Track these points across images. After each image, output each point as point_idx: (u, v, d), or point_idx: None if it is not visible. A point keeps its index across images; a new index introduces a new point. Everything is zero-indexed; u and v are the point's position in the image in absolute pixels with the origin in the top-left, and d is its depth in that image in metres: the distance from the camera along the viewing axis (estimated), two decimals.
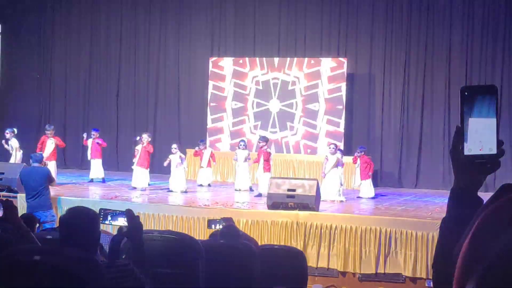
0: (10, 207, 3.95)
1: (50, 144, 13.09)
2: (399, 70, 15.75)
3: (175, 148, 12.80)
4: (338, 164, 12.27)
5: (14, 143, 13.30)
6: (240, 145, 13.47)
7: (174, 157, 12.74)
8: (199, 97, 17.07)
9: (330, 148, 12.48)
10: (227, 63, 16.51)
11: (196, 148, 14.38)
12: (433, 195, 13.79)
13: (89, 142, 14.13)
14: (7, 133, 13.36)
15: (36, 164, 9.68)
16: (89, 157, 14.18)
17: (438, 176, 15.20)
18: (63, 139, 14.30)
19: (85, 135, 14.27)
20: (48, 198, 9.57)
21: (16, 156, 13.23)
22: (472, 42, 15.17)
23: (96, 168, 14.09)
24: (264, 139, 13.16)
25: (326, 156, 12.46)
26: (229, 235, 4.92)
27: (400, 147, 15.65)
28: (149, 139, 13.07)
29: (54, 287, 2.77)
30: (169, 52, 17.58)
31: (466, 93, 1.26)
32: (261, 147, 12.86)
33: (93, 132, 14.18)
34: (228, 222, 5.47)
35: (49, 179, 9.55)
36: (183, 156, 12.97)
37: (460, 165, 1.31)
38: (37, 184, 9.30)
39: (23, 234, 3.99)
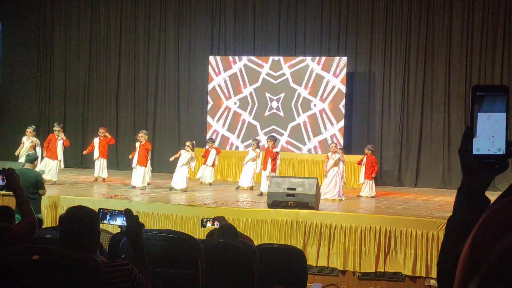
0: (11, 175, 4.01)
1: (59, 144, 13.00)
2: (399, 68, 15.75)
3: (188, 146, 12.66)
4: (339, 162, 12.32)
5: (34, 141, 13.09)
6: (252, 144, 13.48)
7: (185, 155, 12.63)
8: (199, 95, 17.07)
9: (331, 147, 12.62)
10: (226, 62, 16.50)
11: (206, 147, 14.45)
12: (432, 194, 13.78)
13: (96, 141, 13.96)
14: (29, 131, 13.13)
15: (28, 165, 8.90)
16: (96, 156, 13.94)
17: (438, 175, 15.20)
18: None
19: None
20: (36, 205, 8.50)
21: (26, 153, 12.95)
22: (472, 40, 15.17)
23: (102, 167, 14.02)
24: (273, 138, 13.21)
25: (327, 155, 12.53)
26: (227, 233, 4.92)
27: (400, 145, 15.64)
28: (146, 137, 13.03)
29: (53, 287, 2.76)
30: (169, 50, 17.57)
31: (477, 92, 1.26)
32: (268, 147, 12.93)
33: (101, 130, 14.08)
34: (221, 221, 5.47)
35: (37, 186, 8.66)
36: (194, 156, 12.87)
37: (469, 164, 1.30)
38: (25, 188, 8.66)
39: (22, 202, 4.01)
